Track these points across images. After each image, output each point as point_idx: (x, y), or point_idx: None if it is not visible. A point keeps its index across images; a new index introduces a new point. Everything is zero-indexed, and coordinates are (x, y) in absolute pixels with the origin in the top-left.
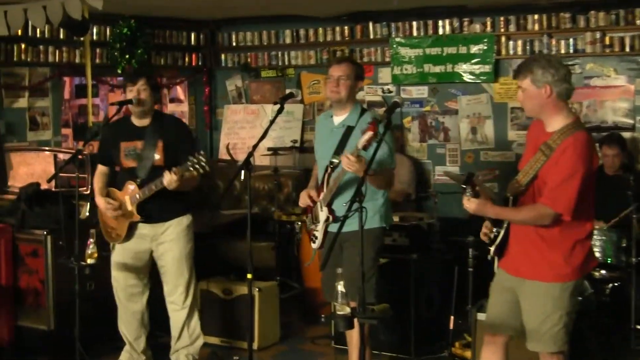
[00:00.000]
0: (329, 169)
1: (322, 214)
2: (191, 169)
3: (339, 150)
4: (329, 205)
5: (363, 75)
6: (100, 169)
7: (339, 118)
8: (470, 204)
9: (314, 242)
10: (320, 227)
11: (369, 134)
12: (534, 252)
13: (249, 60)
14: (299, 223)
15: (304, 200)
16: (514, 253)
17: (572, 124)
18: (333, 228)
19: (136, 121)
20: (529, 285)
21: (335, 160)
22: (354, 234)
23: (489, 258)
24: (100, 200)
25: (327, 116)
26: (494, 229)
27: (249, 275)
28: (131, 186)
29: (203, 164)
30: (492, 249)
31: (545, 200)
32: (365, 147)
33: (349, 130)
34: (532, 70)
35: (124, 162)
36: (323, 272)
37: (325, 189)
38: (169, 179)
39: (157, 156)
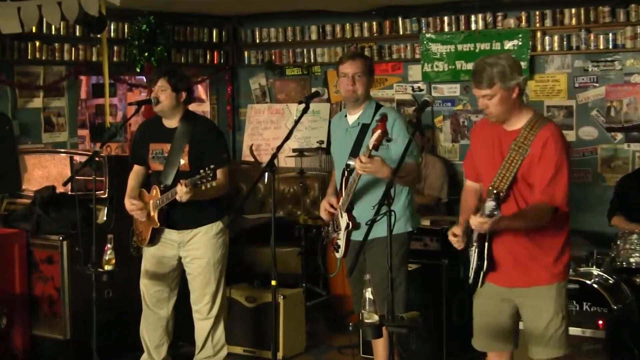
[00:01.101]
0: (346, 173)
1: (343, 220)
2: (199, 183)
3: (355, 151)
4: (349, 211)
5: (374, 70)
6: (135, 168)
7: (354, 117)
8: (485, 225)
9: (337, 252)
10: (342, 235)
11: (378, 132)
12: (526, 259)
13: (273, 57)
14: (326, 227)
15: (324, 211)
16: (505, 264)
17: (534, 117)
18: (358, 236)
19: (166, 122)
20: (528, 292)
21: (351, 163)
22: (378, 241)
23: (471, 282)
24: (126, 201)
25: (341, 116)
26: (474, 246)
27: (274, 282)
28: (154, 191)
29: (210, 178)
30: (484, 264)
31: (542, 197)
32: (375, 147)
33: (364, 129)
34: (501, 73)
35: (152, 165)
36: (351, 281)
37: (343, 194)
38: (179, 191)
39: (182, 161)
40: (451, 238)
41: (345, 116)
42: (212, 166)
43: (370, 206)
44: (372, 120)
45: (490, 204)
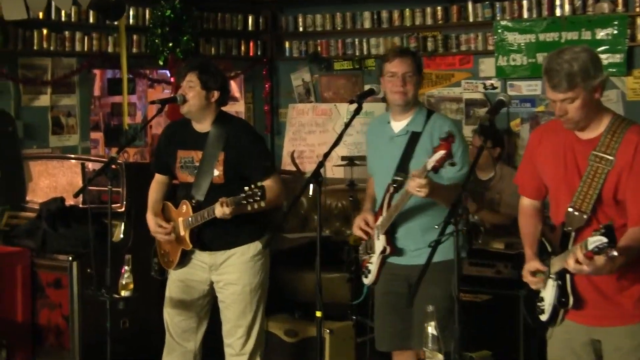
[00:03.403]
0: (392, 189)
1: (379, 243)
2: (244, 202)
3: (403, 165)
4: (388, 234)
5: (422, 68)
6: (157, 178)
7: (400, 123)
8: (605, 268)
9: (366, 277)
10: (375, 259)
11: (441, 153)
12: (613, 291)
13: (318, 48)
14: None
15: (359, 228)
16: (591, 299)
17: (613, 120)
18: (404, 260)
19: (196, 125)
20: (619, 331)
21: (400, 179)
22: (433, 267)
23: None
24: (150, 219)
25: (383, 122)
26: (551, 279)
27: (318, 314)
28: (185, 207)
29: (258, 198)
30: (570, 300)
31: None
32: (435, 169)
33: (414, 138)
34: (583, 71)
35: (180, 175)
36: (379, 312)
37: (384, 213)
38: (220, 211)
39: (216, 172)
40: (529, 278)
41: (389, 122)
42: (259, 184)
43: (416, 230)
44: (424, 129)
45: (598, 239)
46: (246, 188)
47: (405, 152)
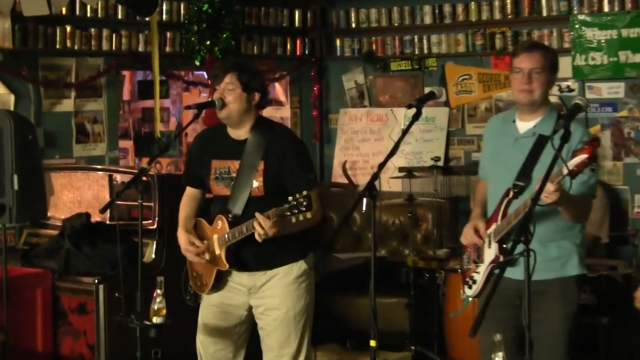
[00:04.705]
0: (511, 194)
1: (489, 251)
2: (288, 213)
3: (526, 170)
4: (501, 242)
5: (558, 65)
6: (188, 192)
7: (527, 124)
8: None
9: (470, 287)
10: (484, 268)
11: (583, 157)
12: None
13: (373, 47)
14: (442, 272)
15: (470, 237)
16: None
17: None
18: (516, 274)
19: (232, 132)
20: None
21: (521, 184)
22: (547, 284)
23: None
24: (182, 236)
25: (507, 120)
26: None
27: (373, 343)
28: (220, 222)
29: (304, 208)
30: None
31: None
32: (573, 174)
33: (541, 141)
34: None
35: (214, 188)
36: (484, 329)
37: (500, 220)
38: (260, 225)
39: (255, 183)
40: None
41: (514, 121)
42: (304, 192)
43: (533, 241)
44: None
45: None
46: (290, 198)
47: (529, 155)
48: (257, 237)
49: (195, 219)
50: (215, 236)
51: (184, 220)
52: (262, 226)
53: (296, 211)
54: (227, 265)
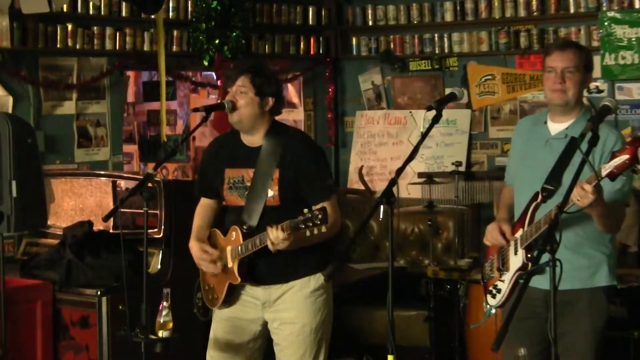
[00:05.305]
0: (540, 198)
1: (515, 259)
2: (302, 226)
3: (557, 173)
4: (529, 249)
5: (593, 65)
6: (203, 202)
7: (559, 125)
8: None
9: (493, 297)
10: (509, 276)
11: (623, 158)
12: None
13: (391, 46)
14: (464, 283)
15: (494, 237)
16: None
17: None
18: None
19: (246, 138)
20: None
21: (551, 187)
22: (574, 294)
23: None
24: (194, 246)
25: (538, 122)
26: None
27: (391, 358)
28: (235, 233)
29: (318, 221)
30: None
31: None
32: (612, 176)
33: (574, 144)
34: None
35: (228, 197)
36: (509, 341)
37: (527, 226)
38: (274, 236)
39: (270, 192)
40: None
41: (545, 123)
42: (320, 204)
43: (562, 248)
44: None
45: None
46: (305, 210)
47: (560, 158)
48: (271, 247)
49: (209, 230)
50: (229, 248)
51: (197, 230)
52: (274, 239)
53: (310, 224)
54: (239, 279)
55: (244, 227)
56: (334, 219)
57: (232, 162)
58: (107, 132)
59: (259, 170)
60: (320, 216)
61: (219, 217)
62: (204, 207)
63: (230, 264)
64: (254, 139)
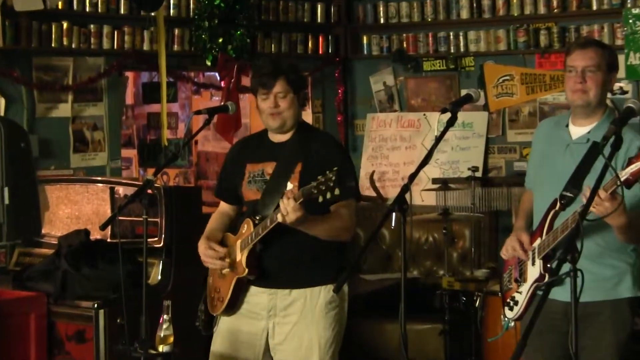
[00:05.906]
0: (558, 205)
1: (534, 269)
2: (315, 191)
3: (577, 179)
4: (546, 259)
5: (617, 64)
6: (221, 207)
7: (582, 129)
8: None
9: (511, 309)
10: (526, 288)
11: None
12: None
13: (404, 45)
14: (481, 295)
15: (512, 250)
16: None
17: None
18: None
19: (275, 136)
20: None
21: (570, 195)
22: (597, 306)
23: None
24: (201, 243)
25: (559, 124)
26: None
27: None
28: (246, 226)
29: (332, 184)
30: None
31: None
32: (629, 183)
33: (596, 149)
34: None
35: (246, 193)
36: (528, 356)
37: (545, 234)
38: (284, 206)
39: (290, 185)
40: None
41: (567, 126)
42: (335, 168)
43: (581, 259)
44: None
45: None
46: (319, 177)
47: (581, 164)
48: (280, 217)
49: (222, 233)
50: (238, 242)
51: (209, 231)
52: (284, 209)
53: (323, 187)
54: (246, 270)
55: (257, 217)
56: (349, 222)
57: (255, 157)
58: (105, 135)
59: (280, 163)
60: (333, 177)
61: (234, 224)
62: (220, 213)
63: (239, 258)
64: (284, 136)
